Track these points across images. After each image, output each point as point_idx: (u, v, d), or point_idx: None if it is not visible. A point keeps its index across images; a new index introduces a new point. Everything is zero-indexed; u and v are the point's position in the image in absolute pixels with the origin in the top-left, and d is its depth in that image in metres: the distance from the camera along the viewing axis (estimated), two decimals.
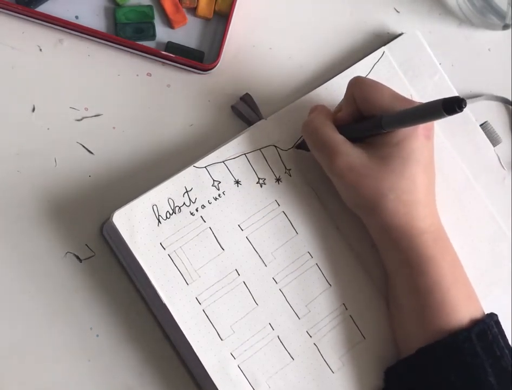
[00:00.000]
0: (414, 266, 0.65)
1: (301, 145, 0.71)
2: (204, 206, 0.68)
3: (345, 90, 0.68)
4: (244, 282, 0.67)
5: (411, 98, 0.65)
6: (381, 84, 0.66)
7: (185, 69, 0.74)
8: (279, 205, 0.70)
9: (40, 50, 0.72)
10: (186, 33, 0.75)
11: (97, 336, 0.68)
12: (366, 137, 0.66)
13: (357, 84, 0.67)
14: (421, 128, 0.64)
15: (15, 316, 0.67)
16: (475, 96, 0.80)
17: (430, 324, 0.65)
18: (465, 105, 0.54)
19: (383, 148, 0.64)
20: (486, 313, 0.67)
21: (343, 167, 0.64)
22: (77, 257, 0.69)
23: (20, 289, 0.68)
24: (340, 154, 0.64)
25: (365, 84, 0.66)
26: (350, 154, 0.64)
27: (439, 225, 0.67)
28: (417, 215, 0.65)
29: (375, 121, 0.64)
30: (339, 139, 0.65)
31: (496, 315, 0.67)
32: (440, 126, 0.74)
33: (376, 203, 0.64)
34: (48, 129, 0.71)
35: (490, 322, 0.65)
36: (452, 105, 0.54)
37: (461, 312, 0.65)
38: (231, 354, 0.66)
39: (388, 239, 0.66)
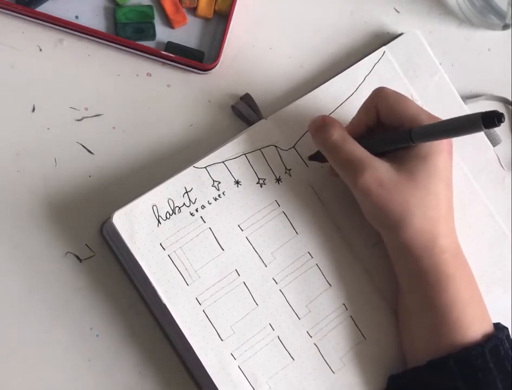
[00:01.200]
0: (433, 284, 0.64)
1: (315, 157, 0.70)
2: (204, 207, 0.68)
3: (366, 99, 0.67)
4: (244, 282, 0.67)
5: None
6: (406, 97, 0.66)
7: (185, 69, 0.74)
8: (279, 205, 0.70)
9: (40, 50, 0.72)
10: (187, 33, 0.75)
11: (97, 336, 0.68)
12: (390, 151, 0.65)
13: (381, 95, 0.66)
14: (445, 143, 0.64)
15: (15, 316, 0.67)
16: (475, 96, 0.80)
17: (443, 340, 0.64)
18: (504, 120, 0.54)
19: (409, 162, 0.63)
20: (494, 323, 0.67)
21: (371, 182, 0.62)
22: (77, 257, 0.69)
23: (20, 289, 0.68)
24: (367, 169, 0.63)
25: (392, 95, 0.65)
26: (378, 168, 0.63)
27: (457, 243, 0.67)
28: (440, 233, 0.64)
29: (402, 133, 0.63)
30: (364, 154, 0.64)
31: (507, 328, 0.67)
32: None
33: (403, 219, 0.63)
34: (48, 129, 0.71)
35: (502, 336, 0.65)
36: (492, 119, 0.54)
37: (476, 330, 0.64)
38: (232, 355, 0.66)
39: (408, 256, 0.65)
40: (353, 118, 0.69)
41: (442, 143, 0.64)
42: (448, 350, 0.63)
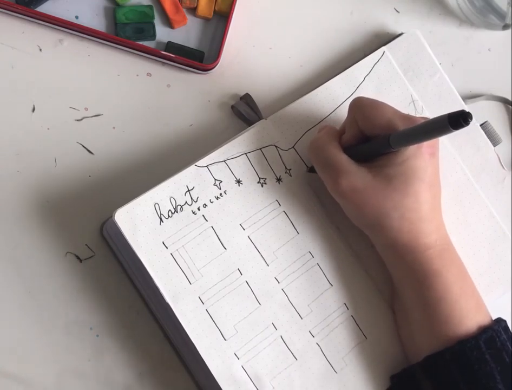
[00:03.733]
0: (421, 281, 0.65)
1: (313, 169, 0.71)
2: (206, 205, 0.68)
3: (347, 110, 0.68)
4: (246, 281, 0.67)
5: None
6: (381, 103, 0.66)
7: (185, 69, 0.74)
8: (279, 205, 0.70)
9: (40, 50, 0.72)
10: (186, 33, 0.75)
11: (97, 336, 0.68)
12: (374, 157, 0.66)
13: (357, 106, 0.66)
14: (425, 146, 0.64)
15: (16, 316, 0.67)
16: (475, 96, 0.80)
17: (438, 335, 0.65)
18: (471, 119, 0.53)
19: (387, 167, 0.64)
20: (494, 319, 0.67)
21: (346, 187, 0.64)
22: (77, 257, 0.69)
23: (21, 289, 0.68)
24: (343, 174, 0.64)
25: (365, 104, 0.66)
26: (353, 173, 0.64)
27: (445, 239, 0.67)
28: (421, 232, 0.65)
29: (383, 140, 0.63)
30: (342, 159, 0.65)
31: (504, 321, 0.67)
32: None
33: (381, 222, 0.64)
34: (48, 129, 0.71)
35: (498, 328, 0.65)
36: (458, 120, 0.53)
37: (470, 323, 0.65)
38: (235, 354, 0.66)
39: (394, 255, 0.66)
40: (341, 127, 0.70)
41: (421, 147, 0.64)
42: (444, 345, 0.64)
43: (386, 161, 0.64)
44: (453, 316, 0.64)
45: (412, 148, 0.63)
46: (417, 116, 0.66)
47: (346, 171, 0.64)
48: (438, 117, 0.56)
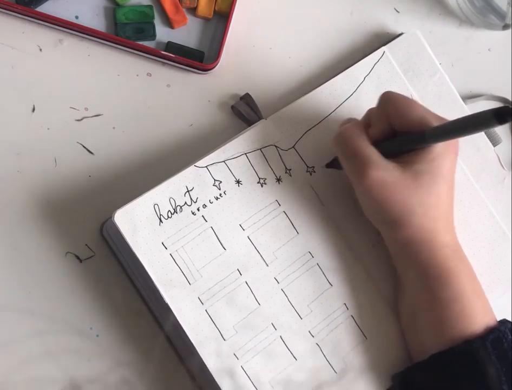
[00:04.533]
0: (435, 279, 0.65)
1: (332, 164, 0.71)
2: (206, 206, 0.68)
3: (376, 104, 0.68)
4: (246, 282, 0.67)
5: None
6: (414, 101, 0.66)
7: (185, 69, 0.74)
8: (279, 205, 0.70)
9: (40, 50, 0.72)
10: (186, 33, 0.75)
11: (97, 336, 0.68)
12: (403, 153, 0.65)
13: (391, 101, 0.66)
14: (452, 145, 0.64)
15: (15, 316, 0.67)
16: (475, 96, 0.80)
17: (446, 334, 0.65)
18: None
19: (416, 164, 0.64)
20: (499, 320, 0.67)
21: (374, 180, 0.63)
22: (77, 257, 0.69)
23: (21, 289, 0.68)
24: (372, 167, 0.63)
25: (398, 99, 0.66)
26: (383, 167, 0.64)
27: (455, 240, 0.67)
28: (439, 230, 0.65)
29: (417, 135, 0.63)
30: (372, 151, 0.64)
31: (510, 322, 0.67)
32: None
33: (403, 218, 0.64)
34: (48, 129, 0.71)
35: (505, 329, 0.65)
36: (504, 115, 0.54)
37: (478, 323, 0.65)
38: (235, 355, 0.66)
39: (408, 252, 0.66)
40: (362, 120, 0.69)
41: (450, 145, 0.64)
42: (451, 344, 0.64)
43: (414, 157, 0.64)
44: (464, 315, 0.64)
45: (441, 147, 0.63)
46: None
47: (375, 164, 0.64)
48: (481, 112, 0.56)
